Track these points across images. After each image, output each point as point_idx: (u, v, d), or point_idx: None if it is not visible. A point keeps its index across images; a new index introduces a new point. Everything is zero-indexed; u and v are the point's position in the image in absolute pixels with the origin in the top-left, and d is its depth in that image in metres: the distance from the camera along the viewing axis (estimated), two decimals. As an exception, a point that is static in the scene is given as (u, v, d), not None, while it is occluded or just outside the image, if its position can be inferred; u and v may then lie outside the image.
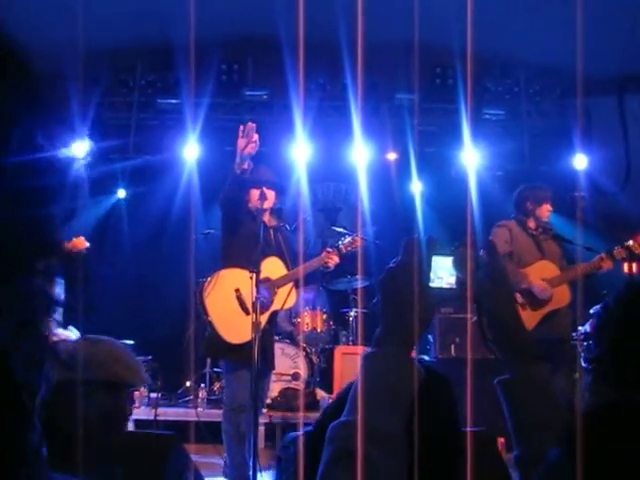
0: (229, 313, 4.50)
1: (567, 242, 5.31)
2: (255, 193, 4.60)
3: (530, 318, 5.07)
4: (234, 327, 4.45)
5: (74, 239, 5.49)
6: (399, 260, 1.17)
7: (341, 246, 4.80)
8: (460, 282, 1.20)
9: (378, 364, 1.10)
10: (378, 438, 1.02)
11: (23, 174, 0.72)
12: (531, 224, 5.33)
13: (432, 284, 1.17)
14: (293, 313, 6.99)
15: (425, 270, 1.16)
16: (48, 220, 0.74)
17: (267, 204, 4.61)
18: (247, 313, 4.43)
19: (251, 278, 4.24)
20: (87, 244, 5.51)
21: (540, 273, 5.14)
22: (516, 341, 1.23)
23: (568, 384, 4.90)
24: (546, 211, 5.31)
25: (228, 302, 4.51)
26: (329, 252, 4.74)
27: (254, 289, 4.21)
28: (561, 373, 5.01)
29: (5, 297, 0.68)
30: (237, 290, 4.51)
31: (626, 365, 1.44)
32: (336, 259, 4.74)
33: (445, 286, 1.19)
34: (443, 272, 1.19)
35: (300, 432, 1.31)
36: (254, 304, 4.22)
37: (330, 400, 6.24)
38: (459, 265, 1.19)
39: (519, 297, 5.13)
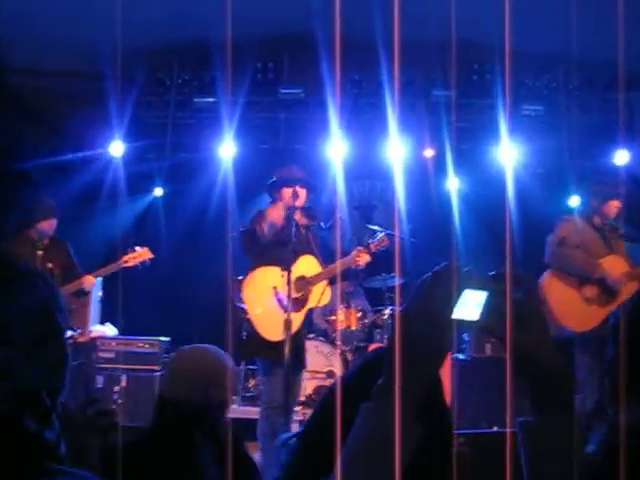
0: (268, 311, 4.54)
1: (635, 242, 5.07)
2: (288, 192, 4.64)
3: (596, 314, 4.84)
4: (273, 325, 4.47)
5: (138, 249, 5.56)
6: (421, 298, 1.07)
7: (371, 245, 4.80)
8: (485, 316, 1.09)
9: (373, 422, 1.00)
10: None
11: None
12: (597, 220, 5.11)
13: (453, 316, 1.06)
14: (327, 311, 6.97)
15: (447, 316, 1.04)
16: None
17: (299, 202, 4.64)
18: (285, 311, 4.46)
19: (282, 276, 4.31)
20: (152, 255, 5.58)
21: (610, 267, 4.92)
22: (549, 385, 1.12)
23: None
24: (614, 208, 5.06)
25: (266, 300, 4.55)
26: (360, 250, 4.75)
27: (286, 287, 4.26)
28: None
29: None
30: (274, 288, 4.53)
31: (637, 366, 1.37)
32: (367, 257, 4.74)
33: (466, 318, 1.08)
34: (470, 305, 1.09)
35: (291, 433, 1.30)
36: (287, 301, 4.27)
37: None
38: (491, 304, 1.08)
39: (588, 290, 4.95)
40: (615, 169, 7.43)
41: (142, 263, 5.56)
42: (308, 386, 6.19)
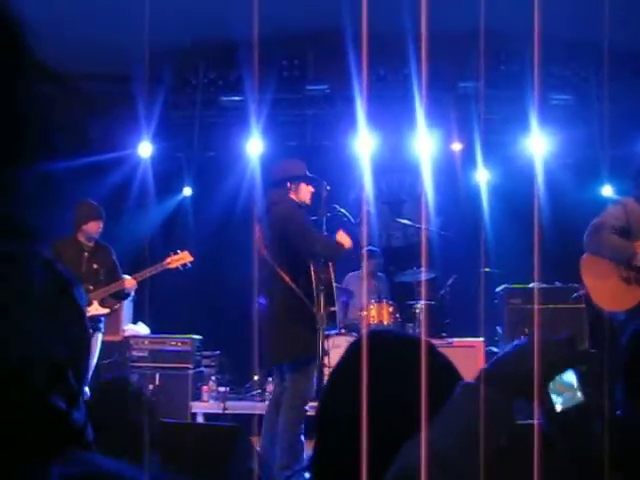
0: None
1: None
2: (307, 189, 4.79)
3: (633, 294, 4.58)
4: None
5: (180, 252, 5.68)
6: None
7: None
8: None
9: (472, 400, 1.03)
10: (445, 465, 0.99)
11: None
12: None
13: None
14: (360, 306, 6.97)
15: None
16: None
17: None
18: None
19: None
20: (192, 258, 5.73)
21: None
22: None
23: None
24: None
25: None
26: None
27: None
28: None
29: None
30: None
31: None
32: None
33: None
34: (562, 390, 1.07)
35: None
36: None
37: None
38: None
39: (626, 271, 4.62)
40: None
41: (184, 266, 5.68)
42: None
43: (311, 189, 4.81)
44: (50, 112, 0.77)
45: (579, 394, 1.04)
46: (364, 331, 6.58)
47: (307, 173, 4.85)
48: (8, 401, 0.65)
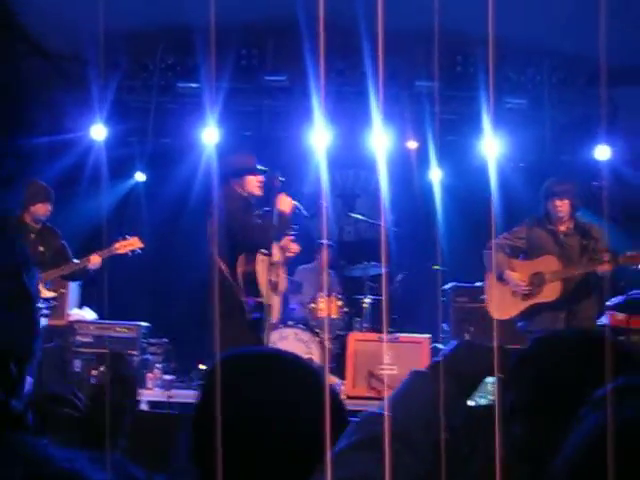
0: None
1: (588, 240, 5.09)
2: (254, 181, 4.84)
3: (513, 305, 5.12)
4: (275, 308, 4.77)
5: (129, 238, 5.59)
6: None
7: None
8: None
9: (425, 387, 1.11)
10: (409, 442, 1.03)
11: None
12: (550, 219, 5.20)
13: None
14: (308, 299, 6.98)
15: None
16: None
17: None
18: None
19: (263, 261, 4.55)
20: (142, 244, 5.66)
21: (538, 267, 5.09)
22: None
23: None
24: (554, 207, 5.11)
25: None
26: (289, 240, 4.99)
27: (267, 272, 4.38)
28: None
29: None
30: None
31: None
32: (296, 247, 5.05)
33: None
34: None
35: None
36: (275, 286, 4.56)
37: (342, 385, 6.23)
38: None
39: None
40: (594, 164, 7.48)
41: (132, 252, 5.61)
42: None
43: (259, 180, 4.89)
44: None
45: (490, 397, 1.15)
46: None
47: (255, 165, 4.93)
48: None
